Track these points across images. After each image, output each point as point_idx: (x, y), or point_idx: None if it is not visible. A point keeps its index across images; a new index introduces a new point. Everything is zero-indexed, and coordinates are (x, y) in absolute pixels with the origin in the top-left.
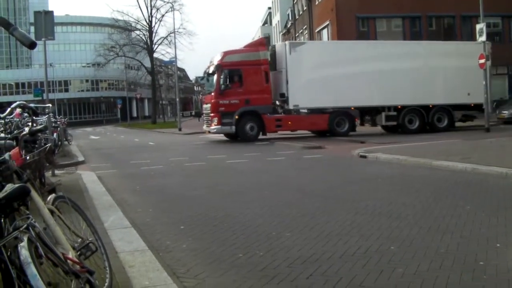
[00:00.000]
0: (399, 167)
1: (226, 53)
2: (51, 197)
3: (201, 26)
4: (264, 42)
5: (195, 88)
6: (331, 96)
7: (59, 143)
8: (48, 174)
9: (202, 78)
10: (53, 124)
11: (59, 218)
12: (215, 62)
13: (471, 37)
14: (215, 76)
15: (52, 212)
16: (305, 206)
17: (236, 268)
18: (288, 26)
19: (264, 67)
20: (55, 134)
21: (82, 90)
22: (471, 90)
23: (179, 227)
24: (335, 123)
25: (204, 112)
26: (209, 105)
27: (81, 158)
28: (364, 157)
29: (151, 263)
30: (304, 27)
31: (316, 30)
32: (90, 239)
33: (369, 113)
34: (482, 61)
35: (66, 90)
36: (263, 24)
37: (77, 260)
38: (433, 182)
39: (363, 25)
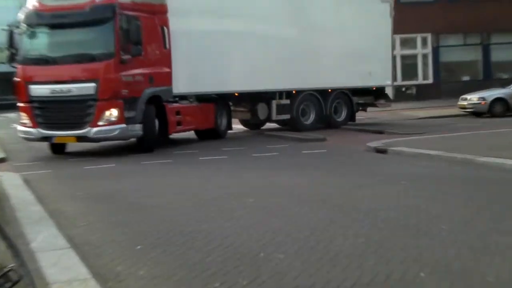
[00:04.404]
0: (429, 166)
1: None
2: None
3: None
4: None
5: None
6: (216, 78)
7: None
8: None
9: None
10: None
11: None
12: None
13: None
14: (107, 26)
15: None
16: (304, 218)
17: None
18: None
19: (162, 19)
20: None
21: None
22: (373, 68)
23: (135, 247)
24: (218, 117)
25: (38, 98)
26: (61, 85)
27: (1, 155)
28: (383, 151)
29: None
30: None
31: None
32: (10, 265)
33: (248, 102)
34: None
35: None
36: None
37: None
38: (477, 185)
39: None
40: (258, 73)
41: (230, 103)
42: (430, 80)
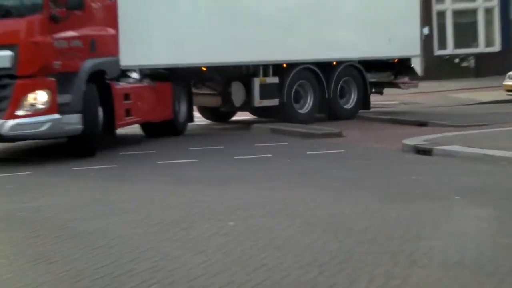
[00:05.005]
0: (495, 173)
1: None
2: None
3: None
4: None
5: None
6: (177, 44)
7: None
8: None
9: None
10: None
11: None
12: None
13: None
14: None
15: None
16: (310, 250)
17: None
18: None
19: None
20: None
21: None
22: (395, 32)
23: None
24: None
25: None
26: None
27: None
28: (426, 152)
29: None
30: None
31: None
32: None
33: (217, 81)
34: None
35: None
36: None
37: None
38: None
39: None
40: (234, 39)
41: (192, 83)
42: (496, 47)
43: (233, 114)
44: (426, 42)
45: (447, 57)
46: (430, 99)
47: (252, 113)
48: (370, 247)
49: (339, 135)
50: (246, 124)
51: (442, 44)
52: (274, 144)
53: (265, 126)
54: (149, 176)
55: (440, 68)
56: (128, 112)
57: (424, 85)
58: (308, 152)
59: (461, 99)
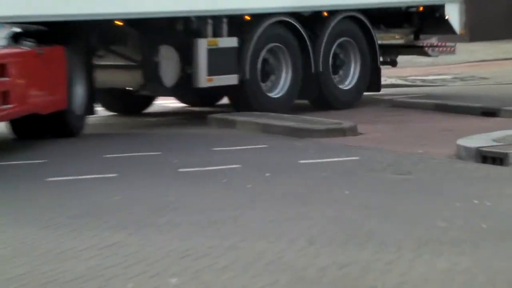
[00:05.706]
0: None
1: None
2: None
3: None
4: None
5: None
6: None
7: None
8: None
9: None
10: None
11: None
12: None
13: None
14: None
15: None
16: None
17: None
18: None
19: None
20: None
21: None
22: None
23: None
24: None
25: None
26: None
27: None
28: (496, 159)
29: None
30: None
31: None
32: None
33: (135, 44)
34: None
35: None
36: None
37: None
38: None
39: None
40: None
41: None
42: None
43: (151, 101)
44: None
45: None
46: (503, 71)
47: (185, 100)
48: None
49: (351, 131)
50: (189, 115)
51: None
52: (244, 147)
53: (229, 118)
54: (34, 203)
55: None
56: (5, 97)
57: (494, 49)
58: (301, 161)
59: None
